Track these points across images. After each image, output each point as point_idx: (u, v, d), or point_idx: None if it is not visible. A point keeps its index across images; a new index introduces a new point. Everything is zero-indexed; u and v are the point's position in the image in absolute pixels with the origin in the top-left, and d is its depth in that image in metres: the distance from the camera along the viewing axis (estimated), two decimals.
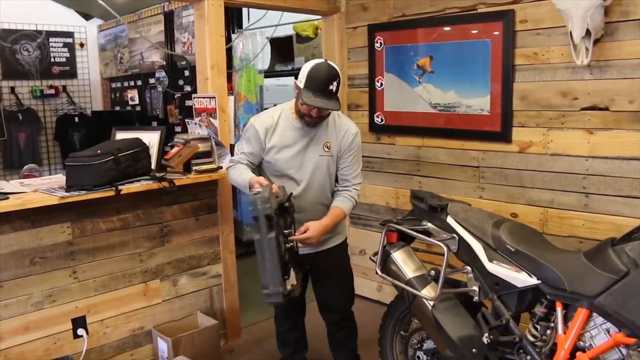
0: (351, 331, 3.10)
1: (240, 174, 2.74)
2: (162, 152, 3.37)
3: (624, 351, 2.01)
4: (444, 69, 3.65)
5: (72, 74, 6.78)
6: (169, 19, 5.69)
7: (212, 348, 3.36)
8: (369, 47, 4.08)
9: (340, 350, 3.11)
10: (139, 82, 6.47)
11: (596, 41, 2.88)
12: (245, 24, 5.56)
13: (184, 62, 5.55)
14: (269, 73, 5.72)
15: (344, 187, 2.85)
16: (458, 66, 3.58)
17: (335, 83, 2.59)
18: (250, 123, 2.85)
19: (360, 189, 2.90)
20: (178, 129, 5.54)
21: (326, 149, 2.79)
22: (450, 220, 2.60)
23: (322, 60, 2.68)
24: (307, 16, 5.09)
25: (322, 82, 2.57)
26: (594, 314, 2.11)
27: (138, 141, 3.15)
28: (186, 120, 3.78)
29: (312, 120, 2.69)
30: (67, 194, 2.78)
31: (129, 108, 6.66)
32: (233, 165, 2.84)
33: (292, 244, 2.59)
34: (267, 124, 2.79)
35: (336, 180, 2.91)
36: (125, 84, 6.75)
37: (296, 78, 2.71)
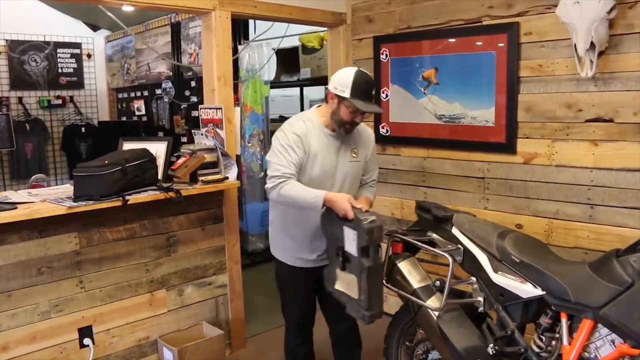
0: (356, 342, 3.08)
1: (305, 190, 2.56)
2: (168, 163, 3.39)
3: None
4: (449, 81, 3.67)
5: (79, 84, 6.83)
6: (176, 30, 5.73)
7: (218, 358, 3.37)
8: (374, 59, 4.11)
9: None
10: (146, 93, 6.50)
11: (600, 53, 2.89)
12: (251, 35, 5.60)
13: (190, 73, 5.58)
14: (275, 84, 5.75)
15: (366, 182, 2.93)
16: (463, 78, 3.60)
17: (374, 88, 2.82)
18: (287, 130, 2.69)
19: None
20: (184, 139, 5.56)
21: (354, 155, 2.80)
22: (455, 231, 2.62)
23: (355, 68, 2.68)
24: (313, 28, 5.13)
25: (368, 89, 2.68)
26: (599, 325, 2.12)
27: (145, 152, 3.18)
28: (192, 130, 3.80)
29: (352, 127, 2.72)
30: (75, 204, 2.80)
31: (135, 118, 6.69)
32: (283, 181, 2.57)
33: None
34: (302, 129, 2.69)
35: None
36: (132, 94, 6.78)
37: (325, 87, 2.78)
